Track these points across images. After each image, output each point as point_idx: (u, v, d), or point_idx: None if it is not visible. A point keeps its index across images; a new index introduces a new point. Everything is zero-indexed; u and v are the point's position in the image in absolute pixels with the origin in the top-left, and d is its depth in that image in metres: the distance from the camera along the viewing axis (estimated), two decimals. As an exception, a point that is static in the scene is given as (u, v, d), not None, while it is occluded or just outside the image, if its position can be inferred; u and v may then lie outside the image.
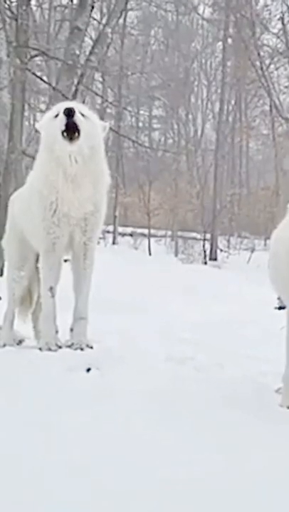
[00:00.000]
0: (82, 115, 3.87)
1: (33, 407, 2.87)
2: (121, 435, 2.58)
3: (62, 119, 3.80)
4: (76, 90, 12.21)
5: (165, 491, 2.10)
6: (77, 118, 3.80)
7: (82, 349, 3.92)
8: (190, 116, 33.24)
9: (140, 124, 34.25)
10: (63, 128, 3.79)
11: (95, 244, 4.18)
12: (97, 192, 4.02)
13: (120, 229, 26.15)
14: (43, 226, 3.99)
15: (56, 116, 3.87)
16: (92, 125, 3.92)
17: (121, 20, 20.26)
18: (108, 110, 26.48)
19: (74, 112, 3.79)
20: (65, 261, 4.20)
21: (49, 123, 3.92)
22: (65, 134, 3.80)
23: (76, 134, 3.80)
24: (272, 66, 25.02)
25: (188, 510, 1.98)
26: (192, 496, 2.07)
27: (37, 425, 2.63)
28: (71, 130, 3.79)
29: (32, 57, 11.91)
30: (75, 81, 12.17)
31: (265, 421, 2.94)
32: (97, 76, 20.80)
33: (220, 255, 23.44)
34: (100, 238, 4.50)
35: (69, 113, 3.77)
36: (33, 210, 4.07)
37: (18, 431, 2.57)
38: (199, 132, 34.15)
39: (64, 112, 3.78)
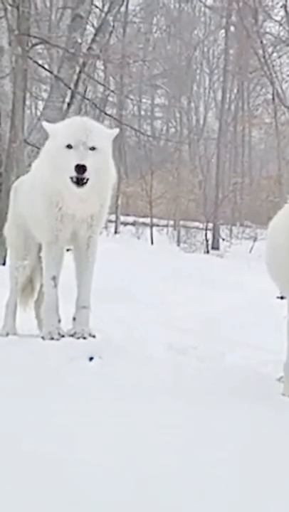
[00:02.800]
0: (93, 148, 3.80)
1: (36, 396, 2.88)
2: (123, 424, 2.59)
3: (71, 170, 3.73)
4: (78, 78, 12.17)
5: (167, 480, 2.11)
6: (88, 170, 3.73)
7: (84, 338, 3.93)
8: (192, 105, 33.12)
9: (142, 113, 34.15)
10: (73, 174, 3.74)
11: (98, 235, 4.18)
12: (104, 193, 4.02)
13: (122, 218, 26.15)
14: (47, 220, 3.99)
15: (68, 146, 3.78)
16: (101, 152, 3.85)
17: (123, 8, 20.13)
18: (110, 99, 26.37)
19: (85, 169, 3.72)
20: (67, 250, 4.20)
21: (59, 151, 3.82)
22: (74, 179, 3.75)
23: (85, 181, 3.76)
24: (274, 54, 24.87)
25: (191, 500, 1.99)
26: (194, 485, 2.08)
27: (39, 413, 2.64)
28: (80, 182, 3.75)
29: (33, 45, 11.84)
30: (77, 69, 12.12)
31: (267, 409, 2.95)
32: (99, 64, 20.70)
33: (222, 244, 23.44)
34: (103, 228, 4.49)
35: (79, 170, 3.72)
36: (37, 203, 4.05)
37: (20, 419, 2.58)
38: (201, 121, 34.04)
39: (75, 169, 3.72)
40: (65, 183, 3.79)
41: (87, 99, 14.36)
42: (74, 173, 3.74)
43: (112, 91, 23.18)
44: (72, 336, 3.95)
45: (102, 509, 1.89)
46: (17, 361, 3.46)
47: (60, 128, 3.94)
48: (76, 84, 12.11)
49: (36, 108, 27.02)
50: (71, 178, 3.76)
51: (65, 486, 2.02)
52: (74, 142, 3.79)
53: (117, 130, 4.09)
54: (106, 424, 2.57)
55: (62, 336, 3.94)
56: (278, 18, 24.04)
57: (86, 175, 3.74)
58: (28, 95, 14.28)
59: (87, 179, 3.75)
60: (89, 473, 2.11)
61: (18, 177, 6.65)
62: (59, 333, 3.95)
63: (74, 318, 4.06)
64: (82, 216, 4.00)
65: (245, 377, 3.47)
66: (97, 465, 2.17)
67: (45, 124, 4.06)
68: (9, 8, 10.90)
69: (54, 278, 4.04)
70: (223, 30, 29.26)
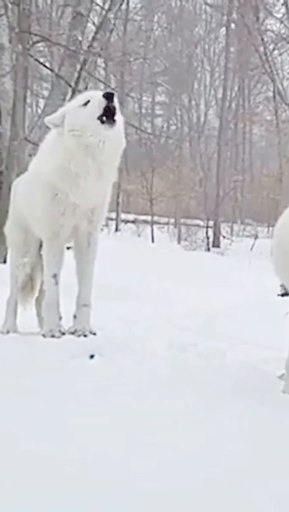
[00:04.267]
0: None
1: (36, 394, 2.89)
2: (123, 421, 2.59)
3: (100, 102, 3.71)
4: (79, 76, 12.16)
5: (168, 476, 2.11)
6: (116, 102, 3.76)
7: (85, 336, 3.93)
8: (193, 103, 33.12)
9: (143, 111, 34.14)
10: (101, 112, 3.72)
11: (99, 232, 4.18)
12: (108, 185, 4.02)
13: (123, 216, 26.15)
14: (47, 215, 3.97)
15: (85, 104, 3.79)
16: (120, 116, 3.87)
17: (124, 6, 20.13)
18: (111, 96, 26.27)
19: (114, 95, 3.74)
20: (68, 248, 4.20)
21: (77, 111, 3.82)
22: (104, 118, 3.73)
23: (115, 118, 3.74)
24: (275, 52, 24.84)
25: (191, 497, 1.99)
26: (194, 483, 2.08)
27: (39, 412, 2.64)
28: (111, 114, 3.72)
29: (34, 43, 11.84)
30: (78, 67, 12.11)
31: (268, 407, 2.95)
32: (100, 62, 20.68)
33: (223, 242, 23.43)
34: (103, 225, 4.49)
35: (109, 96, 3.72)
36: (37, 198, 4.04)
37: (20, 417, 2.58)
38: (202, 119, 34.03)
39: (104, 95, 3.72)
40: (91, 127, 3.73)
41: (88, 96, 14.32)
42: (103, 108, 3.71)
43: (113, 89, 23.15)
44: (73, 333, 3.96)
45: (101, 506, 1.89)
46: (17, 359, 3.47)
47: (71, 104, 3.97)
48: (77, 82, 12.10)
49: (37, 106, 27.03)
50: (99, 117, 3.73)
51: (65, 483, 2.02)
52: (91, 97, 3.80)
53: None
54: (106, 422, 2.57)
55: (63, 334, 3.94)
56: (279, 16, 24.02)
57: (115, 103, 3.71)
58: (28, 93, 14.28)
59: (116, 120, 3.73)
60: (89, 470, 2.11)
61: (18, 175, 6.66)
62: (60, 331, 3.95)
63: (75, 316, 4.06)
64: (86, 207, 3.97)
65: (246, 374, 3.47)
66: (97, 463, 2.17)
67: (46, 118, 4.05)
68: (10, 5, 10.89)
69: (55, 276, 4.04)
70: (224, 28, 29.22)
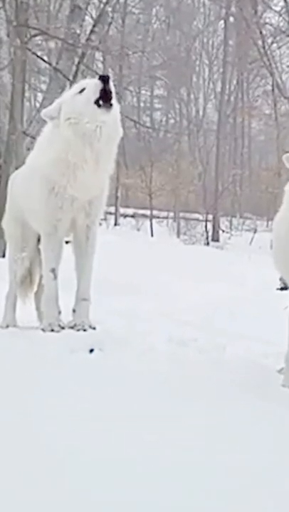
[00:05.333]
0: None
1: (35, 388, 2.88)
2: (123, 416, 2.59)
3: (97, 85, 3.70)
4: (77, 70, 12.11)
5: (167, 471, 2.11)
6: (112, 86, 3.73)
7: (84, 330, 3.92)
8: (192, 96, 33.04)
9: (141, 104, 34.05)
10: (98, 95, 3.69)
11: (98, 226, 4.16)
12: (105, 176, 4.00)
13: (122, 210, 26.12)
14: (45, 209, 3.96)
15: (81, 91, 3.78)
16: (116, 102, 3.87)
17: (122, -1, 20.04)
18: (109, 90, 26.21)
19: (109, 77, 3.72)
20: (67, 243, 4.18)
21: (73, 98, 3.80)
22: (100, 102, 3.71)
23: (111, 101, 3.72)
24: (274, 45, 24.75)
25: (190, 493, 1.98)
26: (194, 478, 2.07)
27: (38, 405, 2.64)
28: (107, 97, 3.70)
29: (32, 36, 11.78)
30: (76, 60, 12.07)
31: (268, 401, 2.95)
32: (98, 55, 20.64)
33: (222, 236, 23.43)
34: (102, 219, 4.47)
35: (105, 79, 3.70)
36: (35, 192, 4.02)
37: (20, 411, 2.58)
38: (201, 112, 33.96)
39: (100, 78, 3.70)
40: (88, 112, 3.71)
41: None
42: (98, 91, 3.69)
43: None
44: (72, 328, 3.95)
45: (100, 502, 1.89)
46: (17, 353, 3.46)
47: (68, 93, 3.94)
48: (75, 76, 12.05)
49: (35, 100, 26.93)
50: (96, 101, 3.71)
51: (64, 477, 2.01)
52: (86, 85, 3.79)
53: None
54: (106, 416, 2.57)
55: (63, 328, 3.94)
56: (278, 9, 23.93)
57: (111, 86, 3.68)
58: (26, 87, 14.25)
59: (112, 104, 3.71)
60: (88, 464, 2.11)
61: (16, 169, 6.64)
62: (59, 325, 3.95)
63: (74, 311, 4.05)
64: (83, 198, 3.96)
65: (246, 368, 3.46)
66: (96, 457, 2.17)
67: (43, 111, 4.03)
68: (7, -1, 10.84)
69: (53, 270, 4.03)
70: (222, 21, 29.14)
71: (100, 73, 3.84)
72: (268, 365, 3.61)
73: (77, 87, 3.89)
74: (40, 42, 17.86)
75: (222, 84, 27.59)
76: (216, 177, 24.84)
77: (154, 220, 24.20)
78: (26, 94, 16.96)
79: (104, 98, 3.71)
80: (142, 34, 28.78)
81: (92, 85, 3.74)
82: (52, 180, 3.90)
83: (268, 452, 2.36)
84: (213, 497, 1.96)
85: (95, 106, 3.72)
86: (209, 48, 33.65)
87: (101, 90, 3.70)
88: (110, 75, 3.81)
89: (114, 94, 3.77)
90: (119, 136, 3.94)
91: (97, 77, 3.75)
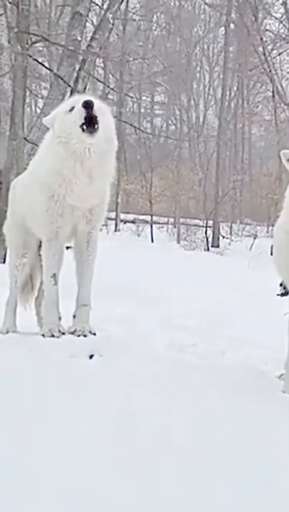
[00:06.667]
0: (99, 109, 3.79)
1: (35, 394, 2.89)
2: (123, 421, 2.59)
3: (81, 112, 3.71)
4: (77, 76, 12.16)
5: (167, 476, 2.11)
6: (96, 110, 3.74)
7: (85, 336, 3.93)
8: (192, 103, 33.12)
9: (142, 110, 34.14)
10: (82, 121, 3.71)
11: (98, 232, 4.17)
12: (105, 185, 4.01)
13: (122, 216, 26.16)
14: (46, 216, 3.97)
15: (71, 110, 3.79)
16: (108, 118, 3.86)
17: (122, 6, 20.12)
18: (110, 96, 26.34)
19: (93, 104, 3.73)
20: (67, 248, 4.20)
21: (63, 117, 3.82)
22: (84, 126, 3.72)
23: (96, 126, 3.72)
24: (274, 51, 24.85)
25: (186, 500, 1.99)
26: (190, 484, 2.08)
27: (39, 411, 2.64)
28: (91, 122, 3.71)
29: (33, 43, 11.84)
30: (77, 67, 12.11)
31: (267, 407, 2.95)
32: (99, 62, 20.69)
33: (222, 242, 23.46)
34: (103, 225, 4.47)
35: (88, 105, 3.70)
36: (36, 199, 4.03)
37: (20, 417, 2.58)
38: (201, 118, 34.04)
39: (83, 105, 3.71)
40: (75, 135, 3.73)
41: (87, 96, 14.31)
42: (83, 118, 3.70)
43: (112, 89, 23.16)
44: (72, 333, 3.95)
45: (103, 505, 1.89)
46: (17, 358, 3.46)
47: (59, 108, 3.96)
48: (76, 82, 12.10)
49: (36, 106, 27.03)
50: (81, 126, 3.72)
51: (62, 482, 2.02)
52: (76, 103, 3.79)
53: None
54: (106, 422, 2.57)
55: (63, 334, 3.94)
56: (278, 16, 24.05)
57: (95, 112, 3.69)
58: (27, 93, 14.27)
59: (97, 127, 3.72)
60: (89, 469, 2.11)
61: (18, 175, 6.66)
62: (59, 331, 3.95)
63: (74, 316, 4.06)
64: (84, 207, 3.97)
65: (245, 374, 3.47)
66: (97, 462, 2.17)
67: (44, 119, 4.05)
68: (9, 5, 10.89)
69: (54, 276, 4.04)
70: (222, 28, 29.25)
71: (85, 98, 3.78)
72: (267, 371, 3.61)
73: (68, 103, 3.89)
74: (41, 48, 17.94)
75: (222, 90, 27.66)
76: (216, 183, 24.88)
77: (154, 226, 24.23)
78: (27, 100, 17.02)
79: (88, 123, 3.72)
80: (142, 41, 28.85)
81: (77, 110, 3.75)
82: (52, 188, 3.92)
83: (267, 457, 2.36)
84: (211, 499, 1.96)
85: (80, 130, 3.74)
86: (210, 55, 33.76)
87: (85, 117, 3.72)
88: (94, 100, 3.76)
89: (100, 117, 3.74)
90: (114, 150, 3.93)
91: (81, 102, 3.73)
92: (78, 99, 3.83)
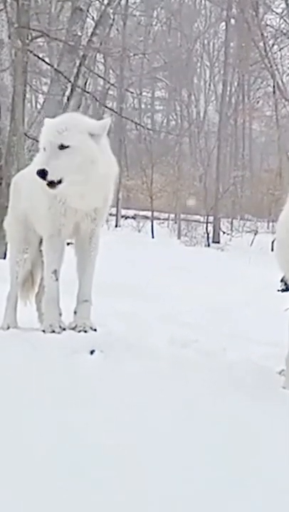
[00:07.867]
0: (63, 146, 3.70)
1: (36, 389, 2.89)
2: (124, 417, 2.59)
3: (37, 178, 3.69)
4: (78, 72, 12.14)
5: (165, 474, 2.11)
6: (52, 171, 3.64)
7: (85, 331, 3.93)
8: (193, 98, 33.06)
9: (142, 106, 34.10)
10: (41, 181, 3.69)
11: (100, 229, 4.17)
12: (107, 187, 3.99)
13: (123, 211, 26.16)
14: (49, 214, 3.96)
15: (44, 149, 3.75)
16: (77, 149, 3.72)
17: (123, 1, 20.09)
18: (110, 92, 26.33)
19: (46, 173, 3.64)
20: (68, 244, 4.19)
21: (38, 156, 3.85)
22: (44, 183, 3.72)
23: (54, 185, 3.68)
24: (275, 47, 24.82)
25: (188, 497, 1.99)
26: (192, 482, 2.08)
27: (39, 407, 2.64)
28: (50, 184, 3.69)
29: (33, 38, 11.82)
30: (77, 62, 12.09)
31: (268, 403, 2.96)
32: (99, 57, 20.65)
33: (223, 238, 23.46)
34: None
35: (40, 176, 3.65)
36: (39, 197, 4.02)
37: (21, 412, 2.58)
38: (202, 114, 33.99)
39: (37, 174, 3.66)
40: (43, 185, 3.74)
41: (88, 92, 14.33)
42: (40, 180, 3.70)
43: (113, 84, 23.15)
44: (73, 329, 3.95)
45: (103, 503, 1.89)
46: (18, 354, 3.46)
47: (45, 126, 3.93)
48: (76, 78, 12.08)
49: (36, 101, 26.97)
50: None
51: (63, 477, 2.02)
52: (44, 143, 3.78)
53: (106, 120, 3.95)
54: (106, 417, 2.57)
55: (64, 329, 3.94)
56: (279, 11, 24.01)
57: (50, 177, 3.65)
58: (28, 88, 14.24)
59: (60, 180, 3.68)
60: (90, 464, 2.11)
61: (18, 170, 6.64)
62: (60, 327, 3.95)
63: (75, 312, 4.05)
64: (86, 210, 3.98)
65: (246, 370, 3.47)
66: (98, 457, 2.18)
67: (45, 120, 4.03)
68: (9, 0, 10.87)
69: (55, 271, 4.03)
70: (223, 23, 29.19)
71: (37, 168, 3.71)
72: (268, 367, 3.61)
73: (40, 141, 3.83)
74: (41, 44, 17.91)
75: (223, 86, 27.63)
76: (216, 178, 24.87)
77: (155, 222, 24.22)
78: (27, 95, 16.97)
79: (48, 185, 3.68)
80: (143, 36, 28.78)
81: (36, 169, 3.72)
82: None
83: (269, 454, 2.36)
84: (211, 497, 1.96)
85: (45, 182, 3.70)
86: (210, 50, 33.69)
87: (41, 182, 3.69)
88: (47, 168, 3.64)
89: (59, 173, 3.65)
90: (99, 162, 3.81)
91: (36, 171, 3.68)
92: (46, 139, 3.74)
